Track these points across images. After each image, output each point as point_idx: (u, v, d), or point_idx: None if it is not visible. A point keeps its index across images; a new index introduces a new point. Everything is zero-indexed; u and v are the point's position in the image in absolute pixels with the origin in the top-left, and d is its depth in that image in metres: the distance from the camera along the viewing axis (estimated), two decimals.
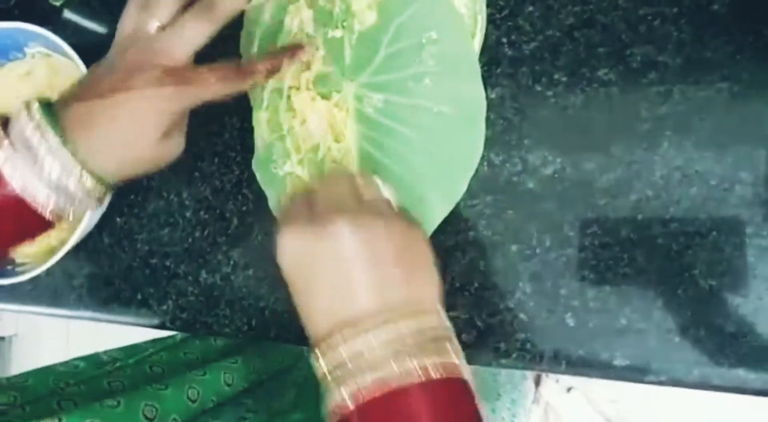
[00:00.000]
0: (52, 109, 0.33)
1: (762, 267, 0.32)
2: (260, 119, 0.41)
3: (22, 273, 0.43)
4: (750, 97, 0.33)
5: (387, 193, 0.32)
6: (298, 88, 0.40)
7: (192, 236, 0.43)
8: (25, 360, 1.49)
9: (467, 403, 0.28)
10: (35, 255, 0.45)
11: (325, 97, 0.39)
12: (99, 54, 0.47)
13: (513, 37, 0.36)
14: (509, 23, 0.36)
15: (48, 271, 0.42)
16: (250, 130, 0.41)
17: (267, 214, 0.41)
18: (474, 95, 0.36)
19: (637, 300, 0.34)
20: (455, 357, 0.28)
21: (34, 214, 0.33)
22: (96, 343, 0.52)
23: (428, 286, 0.30)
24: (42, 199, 0.33)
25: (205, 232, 0.43)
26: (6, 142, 0.32)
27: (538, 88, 0.36)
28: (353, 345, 0.27)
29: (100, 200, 0.35)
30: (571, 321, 0.35)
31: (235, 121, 0.42)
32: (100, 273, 0.46)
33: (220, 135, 0.43)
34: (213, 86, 0.34)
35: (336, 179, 0.32)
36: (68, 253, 0.42)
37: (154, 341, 0.50)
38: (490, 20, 0.37)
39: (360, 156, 0.38)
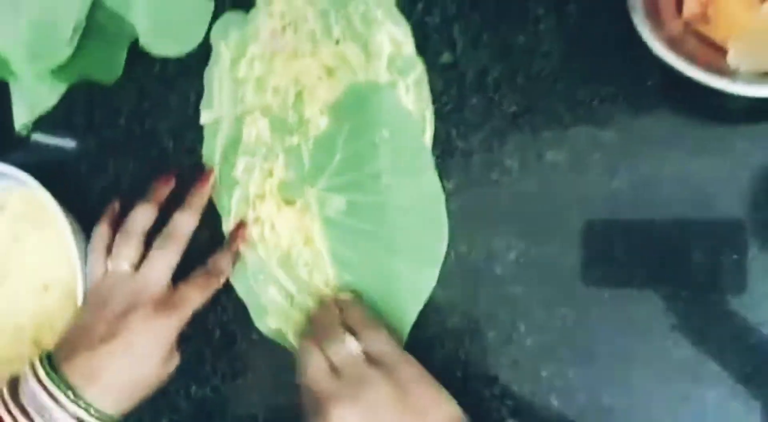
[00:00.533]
0: (56, 369, 0.35)
1: (737, 331, 0.33)
2: (230, 229, 0.42)
3: None
4: (695, 166, 0.33)
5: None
6: (263, 197, 0.41)
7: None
8: None
9: None
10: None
11: (290, 202, 0.40)
12: (67, 176, 0.49)
13: (461, 129, 0.37)
14: (456, 116, 0.38)
15: None
16: (221, 241, 0.42)
17: (248, 322, 0.41)
18: (431, 188, 0.37)
19: (616, 376, 0.34)
20: None
21: None
22: None
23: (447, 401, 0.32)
24: None
25: (190, 345, 0.43)
26: (16, 408, 0.34)
27: (493, 176, 0.37)
28: None
29: None
30: (556, 403, 0.35)
31: (206, 234, 0.43)
32: None
33: (193, 247, 0.43)
34: (197, 300, 0.38)
35: (336, 340, 0.34)
36: None
37: None
38: (438, 115, 0.38)
39: (332, 258, 0.39)
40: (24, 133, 0.49)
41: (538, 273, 0.36)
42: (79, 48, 0.44)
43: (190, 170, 0.43)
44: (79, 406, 0.34)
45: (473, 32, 0.37)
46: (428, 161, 0.37)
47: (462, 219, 0.37)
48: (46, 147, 0.49)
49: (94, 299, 0.39)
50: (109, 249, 0.40)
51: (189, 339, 0.43)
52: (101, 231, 0.41)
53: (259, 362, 0.41)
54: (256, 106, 0.41)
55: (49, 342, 0.44)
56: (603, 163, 0.35)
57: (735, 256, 0.32)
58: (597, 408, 0.34)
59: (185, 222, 0.40)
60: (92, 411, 0.34)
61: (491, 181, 0.37)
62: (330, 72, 0.40)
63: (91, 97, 0.47)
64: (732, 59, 0.32)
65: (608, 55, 0.35)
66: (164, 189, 0.42)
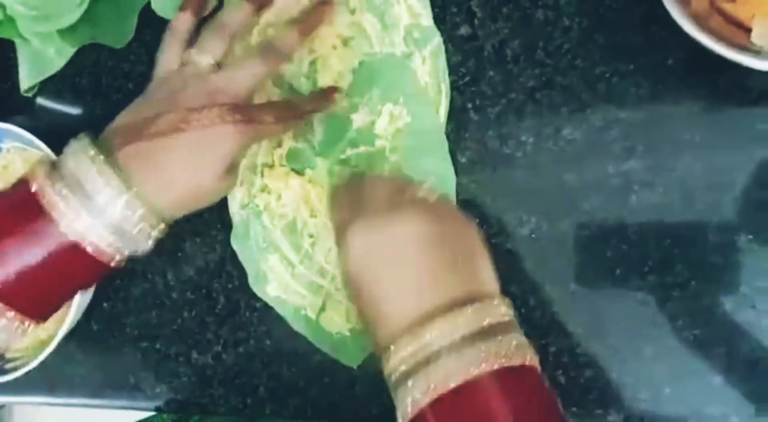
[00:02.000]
0: (106, 149, 0.32)
1: (742, 312, 0.33)
2: (235, 196, 0.41)
3: (14, 369, 0.43)
4: (712, 148, 0.33)
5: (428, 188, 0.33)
6: (271, 166, 0.40)
7: (180, 317, 0.43)
8: None
9: (544, 392, 0.28)
10: (26, 350, 0.45)
11: (299, 172, 0.40)
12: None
13: (477, 102, 0.37)
14: (472, 89, 0.37)
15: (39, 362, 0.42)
16: (227, 208, 0.42)
17: (252, 290, 0.41)
18: (443, 169, 0.37)
19: (624, 352, 0.34)
20: (526, 345, 0.28)
21: (93, 261, 0.32)
22: (95, 408, 0.52)
23: (489, 276, 0.30)
24: (103, 244, 0.31)
25: (193, 312, 0.43)
26: (60, 185, 0.30)
27: (507, 151, 0.36)
28: (423, 339, 0.27)
29: (159, 239, 0.34)
30: (562, 379, 0.35)
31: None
32: (91, 361, 0.46)
33: (200, 215, 0.43)
34: (273, 125, 0.35)
35: (378, 179, 0.33)
36: (59, 343, 0.42)
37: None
38: (454, 87, 0.37)
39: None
40: (29, 95, 0.49)
41: (550, 250, 0.35)
42: (89, 10, 0.43)
43: None
44: (131, 193, 0.31)
45: (492, 5, 0.37)
46: (442, 141, 0.37)
47: (474, 194, 0.37)
48: (52, 111, 0.49)
49: (162, 89, 0.35)
50: (188, 42, 0.36)
51: (192, 305, 0.43)
52: (183, 17, 0.37)
53: (262, 331, 0.41)
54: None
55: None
56: (620, 141, 0.35)
57: (749, 237, 0.32)
58: (604, 384, 0.34)
59: (292, 39, 0.36)
60: (144, 202, 0.31)
61: (506, 155, 0.36)
62: (345, 42, 0.39)
63: (98, 60, 0.46)
64: (756, 38, 0.31)
65: (629, 32, 0.35)
66: None
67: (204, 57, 0.35)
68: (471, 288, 0.29)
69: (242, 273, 0.42)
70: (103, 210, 0.31)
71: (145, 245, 0.34)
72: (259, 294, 0.40)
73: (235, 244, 0.41)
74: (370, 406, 0.38)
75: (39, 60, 0.48)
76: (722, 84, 0.33)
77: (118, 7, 0.44)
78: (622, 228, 0.34)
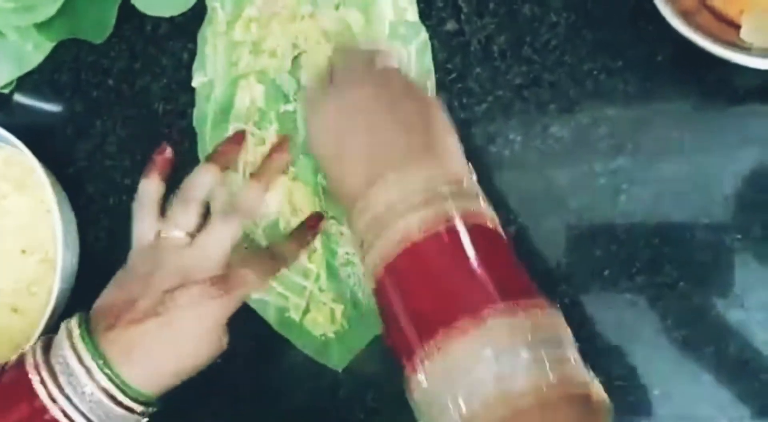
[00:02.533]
0: (92, 335, 0.32)
1: (731, 312, 0.32)
2: (217, 196, 0.40)
3: None
4: (701, 146, 0.33)
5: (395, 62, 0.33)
6: (254, 164, 0.39)
7: None
8: None
9: (505, 251, 0.28)
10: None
11: (282, 170, 0.39)
12: (52, 138, 0.47)
13: (464, 100, 0.36)
14: (459, 86, 0.37)
15: None
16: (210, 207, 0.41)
17: None
18: None
19: (613, 354, 0.34)
20: (485, 208, 0.28)
21: None
22: None
23: (452, 146, 0.30)
24: None
25: None
26: (47, 371, 0.31)
27: (493, 149, 0.36)
28: (384, 197, 0.27)
29: (144, 415, 0.33)
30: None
31: None
32: None
33: None
34: (256, 284, 0.34)
35: (351, 53, 0.33)
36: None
37: None
38: (441, 84, 0.37)
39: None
40: (6, 91, 0.48)
41: (537, 250, 0.35)
42: (67, 4, 0.42)
43: (181, 134, 0.42)
44: (111, 380, 0.31)
45: (479, 0, 0.36)
46: None
47: None
48: (30, 108, 0.48)
49: (141, 265, 0.34)
50: (161, 209, 0.36)
51: None
52: (151, 185, 0.36)
53: (245, 333, 0.40)
54: (251, 70, 0.40)
55: (26, 307, 0.43)
56: (608, 140, 0.34)
57: (738, 236, 0.32)
58: None
59: (257, 194, 0.36)
60: (123, 388, 0.31)
61: (493, 153, 0.36)
62: (329, 37, 0.39)
63: (78, 56, 0.45)
64: (744, 35, 0.31)
65: (617, 29, 0.34)
66: (233, 147, 0.38)
67: (176, 231, 0.34)
68: (433, 156, 0.28)
69: None
70: (88, 395, 0.31)
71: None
72: None
73: None
74: (355, 410, 0.37)
75: (17, 55, 0.46)
76: (710, 81, 0.33)
77: (96, 1, 0.43)
78: (610, 228, 0.34)
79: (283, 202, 0.39)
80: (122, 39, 0.44)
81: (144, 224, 0.35)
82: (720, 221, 0.32)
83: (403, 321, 0.26)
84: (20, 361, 0.32)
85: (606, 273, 0.34)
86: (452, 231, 0.26)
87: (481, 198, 0.28)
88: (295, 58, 0.39)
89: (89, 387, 0.31)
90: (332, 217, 0.38)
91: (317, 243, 0.38)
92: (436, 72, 0.37)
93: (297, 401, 0.39)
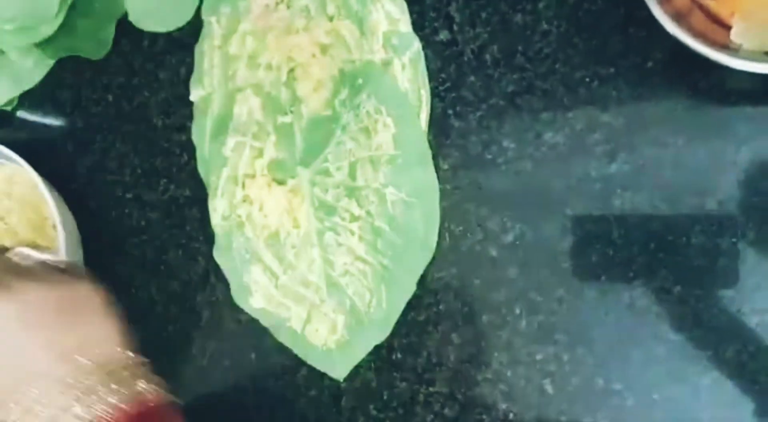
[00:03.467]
0: None
1: (728, 316, 0.32)
2: (216, 207, 0.41)
3: None
4: (695, 148, 0.33)
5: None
6: (252, 176, 0.40)
7: (165, 331, 0.43)
8: None
9: None
10: None
11: (280, 183, 0.39)
12: (54, 154, 0.47)
13: (458, 108, 0.37)
14: (453, 95, 0.37)
15: None
16: (209, 220, 0.41)
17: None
18: (427, 178, 0.36)
19: (611, 359, 0.34)
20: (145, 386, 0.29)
21: None
22: None
23: (99, 330, 0.32)
24: None
25: (178, 326, 0.42)
26: None
27: (489, 156, 0.36)
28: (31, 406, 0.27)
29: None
30: (549, 388, 0.34)
31: (195, 212, 0.42)
32: None
33: (182, 227, 0.42)
34: None
35: None
36: None
37: None
38: (435, 93, 0.37)
39: (320, 241, 0.38)
40: (8, 108, 0.48)
41: (534, 256, 0.35)
42: (66, 23, 0.43)
43: (180, 148, 0.42)
44: None
45: (471, 9, 0.37)
46: (425, 149, 0.36)
47: (457, 200, 0.36)
48: (32, 124, 0.48)
49: None
50: None
51: (176, 320, 0.43)
52: None
53: (247, 344, 0.41)
54: (248, 84, 0.40)
55: None
56: (602, 145, 0.34)
57: (734, 240, 0.32)
58: (591, 393, 0.34)
59: None
60: None
61: (488, 161, 0.36)
62: (324, 49, 0.39)
63: (78, 72, 0.46)
64: (735, 36, 0.31)
65: (608, 36, 0.35)
66: None
67: None
68: (80, 348, 0.29)
69: (226, 286, 0.41)
70: None
71: None
72: (242, 306, 0.40)
73: (218, 257, 0.41)
74: (356, 419, 0.38)
75: (17, 73, 0.47)
76: (703, 85, 0.33)
77: (94, 18, 0.44)
78: (606, 233, 0.34)
79: (283, 213, 0.39)
80: (120, 55, 0.45)
81: None
82: (715, 224, 0.33)
83: None
84: None
85: (603, 278, 0.34)
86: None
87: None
88: (291, 71, 0.39)
89: None
90: (330, 229, 0.38)
91: (315, 254, 0.39)
92: (430, 81, 0.37)
93: (300, 411, 0.39)
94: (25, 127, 0.48)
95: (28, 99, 0.47)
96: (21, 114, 0.48)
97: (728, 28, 0.32)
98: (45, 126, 0.48)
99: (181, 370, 0.42)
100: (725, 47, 0.31)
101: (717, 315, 0.32)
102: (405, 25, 0.38)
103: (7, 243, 0.44)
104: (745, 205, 0.32)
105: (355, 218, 0.37)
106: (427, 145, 0.36)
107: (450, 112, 0.37)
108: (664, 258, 0.33)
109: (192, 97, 0.42)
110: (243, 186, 0.40)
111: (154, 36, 0.43)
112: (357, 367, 0.37)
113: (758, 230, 0.32)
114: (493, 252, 0.36)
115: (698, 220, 0.33)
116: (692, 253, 0.33)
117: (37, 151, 0.45)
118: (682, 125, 0.33)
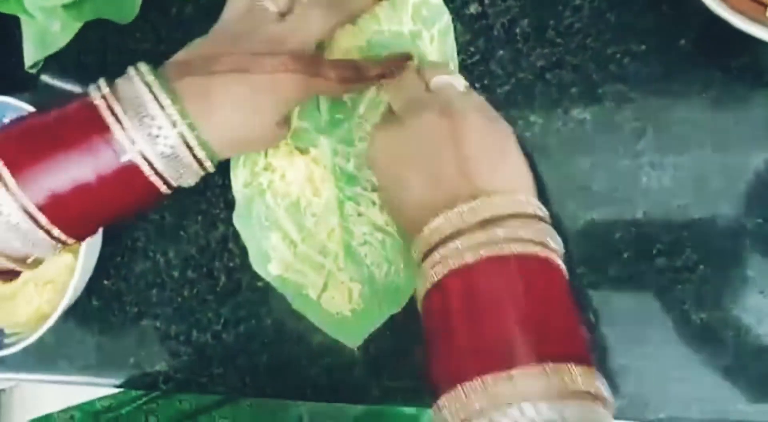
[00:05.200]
0: (165, 78, 0.31)
1: (750, 297, 0.32)
2: (238, 175, 0.41)
3: (13, 344, 0.42)
4: (723, 130, 0.33)
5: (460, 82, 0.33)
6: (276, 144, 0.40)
7: (181, 295, 0.43)
8: (27, 411, 1.47)
9: (561, 285, 0.28)
10: (25, 325, 0.45)
11: (303, 151, 0.39)
12: None
13: (486, 82, 0.37)
14: (481, 68, 0.37)
15: (38, 338, 0.42)
16: (231, 187, 0.41)
17: (254, 269, 0.41)
18: None
19: (630, 336, 0.34)
20: (551, 241, 0.28)
21: (145, 185, 0.31)
22: (94, 386, 0.52)
23: (518, 174, 0.30)
24: (157, 167, 0.31)
25: (194, 291, 0.42)
26: (119, 107, 0.30)
27: (515, 131, 0.36)
28: (446, 226, 0.27)
29: (205, 171, 0.33)
30: None
31: (217, 178, 0.42)
32: (91, 338, 0.45)
33: (203, 193, 0.42)
34: (333, 83, 0.34)
35: (409, 81, 0.33)
36: (58, 319, 0.41)
37: None
38: (463, 66, 0.37)
39: (340, 211, 0.38)
40: (33, 71, 0.48)
41: (557, 232, 0.34)
42: None
43: None
44: (186, 123, 0.30)
45: None
46: None
47: None
48: (56, 89, 0.48)
49: (226, 32, 0.34)
50: None
51: (193, 284, 0.43)
52: None
53: (263, 311, 0.41)
54: None
55: (41, 292, 0.44)
56: (630, 122, 0.34)
57: (759, 220, 0.32)
58: (609, 369, 0.33)
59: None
60: (197, 134, 0.30)
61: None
62: (353, 20, 0.39)
63: (104, 38, 0.46)
64: None
65: (640, 12, 0.34)
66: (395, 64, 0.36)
67: (271, 4, 0.34)
68: (499, 186, 0.28)
69: (244, 252, 0.41)
70: (158, 135, 0.30)
71: (192, 179, 0.33)
72: (260, 272, 0.40)
73: (238, 223, 0.41)
74: (370, 387, 0.38)
75: (43, 36, 0.47)
76: (735, 65, 0.33)
77: None
78: (631, 211, 0.34)
79: (304, 182, 0.39)
80: (147, 20, 0.45)
81: None
82: (742, 205, 0.32)
83: (442, 352, 0.27)
84: (85, 100, 0.31)
85: (626, 255, 0.34)
86: (507, 261, 0.26)
87: (547, 233, 0.28)
88: (319, 41, 0.39)
89: (165, 131, 0.30)
90: (350, 199, 0.38)
91: (335, 222, 0.39)
92: (458, 54, 0.37)
93: (314, 378, 0.39)
94: (49, 90, 0.48)
95: (53, 62, 0.47)
96: (45, 78, 0.48)
97: (765, 5, 0.32)
98: (69, 90, 0.48)
99: (196, 335, 0.42)
100: (763, 23, 0.31)
101: (739, 296, 0.32)
102: None
103: None
104: None
105: (376, 188, 0.37)
106: None
107: (477, 85, 0.37)
108: (688, 238, 0.33)
109: None
110: (265, 154, 0.40)
111: (183, 2, 0.43)
112: (371, 336, 0.37)
113: None
114: None
115: (724, 200, 0.32)
116: (717, 234, 0.32)
117: None
118: (712, 105, 0.33)
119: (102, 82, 0.31)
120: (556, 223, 0.35)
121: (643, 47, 0.34)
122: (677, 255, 0.33)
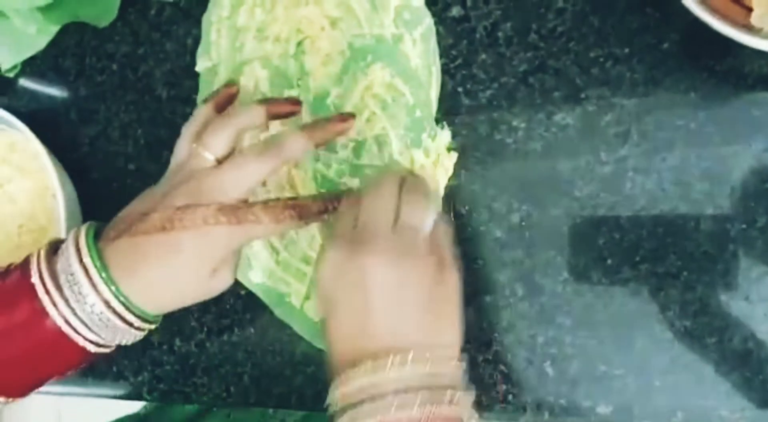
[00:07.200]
0: (100, 243, 0.32)
1: (734, 304, 0.32)
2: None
3: None
4: (708, 133, 0.32)
5: (433, 209, 0.31)
6: None
7: None
8: None
9: None
10: None
11: None
12: (56, 123, 0.47)
13: (468, 86, 0.36)
14: (464, 72, 0.36)
15: None
16: None
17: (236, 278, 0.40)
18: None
19: (614, 343, 0.33)
20: (464, 411, 0.27)
21: (76, 348, 0.32)
22: (86, 406, 0.51)
23: (449, 336, 0.30)
24: (89, 336, 0.31)
25: None
26: (49, 276, 0.31)
27: (498, 136, 0.35)
28: (362, 381, 0.27)
29: (142, 331, 0.33)
30: (550, 370, 0.34)
31: None
32: None
33: None
34: (266, 226, 0.33)
35: (381, 194, 0.31)
36: None
37: None
38: (445, 70, 0.36)
39: None
40: (11, 75, 0.48)
41: (540, 238, 0.34)
42: None
43: (184, 119, 0.41)
44: (111, 291, 0.31)
45: None
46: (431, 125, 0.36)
47: (464, 180, 0.36)
48: (35, 92, 0.48)
49: (167, 181, 0.34)
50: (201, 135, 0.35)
51: None
52: (204, 111, 0.36)
53: (246, 318, 0.40)
54: (256, 56, 0.39)
55: None
56: (614, 127, 0.34)
57: (743, 226, 0.32)
58: (592, 376, 0.33)
59: (299, 143, 0.33)
60: (122, 300, 0.31)
61: (497, 141, 0.35)
62: (333, 23, 0.38)
63: (82, 40, 0.45)
64: (756, 20, 0.30)
65: (624, 16, 0.34)
66: (288, 107, 0.36)
67: (204, 153, 0.33)
68: (425, 348, 0.28)
69: None
70: (86, 303, 0.31)
71: (131, 338, 0.33)
72: (242, 280, 0.39)
73: None
74: None
75: (20, 39, 0.46)
76: (718, 69, 0.32)
77: None
78: (614, 217, 0.34)
79: (285, 188, 0.39)
80: (126, 23, 0.44)
81: (182, 141, 0.35)
82: (725, 211, 0.32)
83: None
84: (25, 264, 0.32)
85: (609, 261, 0.33)
86: None
87: (462, 393, 0.28)
88: (299, 44, 0.39)
89: (91, 298, 0.30)
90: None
91: (317, 231, 0.38)
92: (441, 58, 0.36)
93: (298, 387, 0.39)
94: (27, 94, 0.47)
95: (30, 66, 0.47)
96: (23, 81, 0.48)
97: (749, 9, 0.32)
98: (47, 94, 0.47)
99: (179, 344, 0.42)
100: (747, 28, 0.31)
101: (723, 302, 0.32)
102: None
103: (5, 211, 0.44)
104: (757, 191, 0.32)
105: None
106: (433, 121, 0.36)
107: (460, 89, 0.36)
108: (672, 244, 0.33)
109: (198, 68, 0.41)
110: None
111: (161, 5, 0.42)
112: None
113: None
114: (499, 233, 0.35)
115: (709, 205, 0.32)
116: (701, 239, 0.32)
117: (38, 119, 0.45)
118: (696, 109, 0.33)
119: (42, 251, 0.32)
120: (540, 228, 0.35)
121: (627, 51, 0.34)
122: (661, 261, 0.33)
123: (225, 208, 0.32)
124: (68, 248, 0.31)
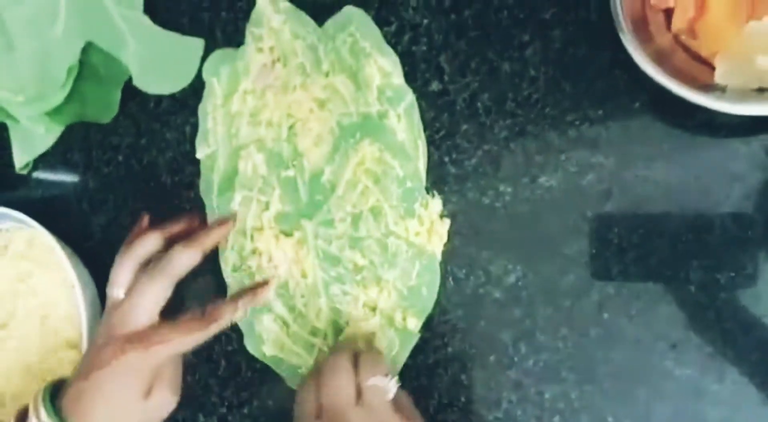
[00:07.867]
0: (57, 395, 0.35)
1: (731, 349, 0.33)
2: (227, 259, 0.42)
3: None
4: (688, 186, 0.34)
5: (387, 380, 0.33)
6: (260, 229, 0.41)
7: (184, 381, 0.44)
8: None
9: None
10: None
11: (287, 234, 0.41)
12: (69, 214, 0.49)
13: (454, 156, 0.38)
14: (448, 142, 0.38)
15: None
16: (221, 272, 0.43)
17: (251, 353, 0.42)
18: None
19: (619, 396, 0.34)
20: None
21: None
22: None
23: None
24: None
25: (196, 376, 0.44)
26: None
27: (486, 201, 0.37)
28: None
29: None
30: None
31: (206, 264, 0.43)
32: None
33: (195, 279, 0.44)
34: (178, 342, 0.36)
35: (338, 374, 0.33)
36: None
37: None
38: (430, 141, 0.38)
39: (326, 291, 0.39)
40: (24, 172, 0.50)
41: (537, 296, 0.36)
42: (73, 90, 0.45)
43: (189, 204, 0.44)
44: None
45: (460, 60, 0.38)
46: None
47: (459, 245, 0.37)
48: (47, 184, 0.50)
49: (99, 328, 0.38)
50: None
51: (195, 369, 0.44)
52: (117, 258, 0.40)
53: (264, 391, 0.42)
54: (251, 140, 0.42)
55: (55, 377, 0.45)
56: (596, 186, 0.35)
57: (731, 275, 0.33)
58: None
59: (185, 258, 0.38)
60: None
61: (486, 205, 0.37)
62: (321, 104, 0.40)
63: (88, 134, 0.48)
64: (719, 76, 0.32)
65: (594, 80, 0.36)
66: (184, 225, 0.41)
67: (114, 290, 0.38)
68: None
69: (240, 335, 0.42)
70: None
71: None
72: (254, 354, 0.41)
73: None
74: None
75: (30, 139, 0.49)
76: (691, 124, 0.34)
77: (100, 84, 0.45)
78: (605, 272, 0.35)
79: (291, 264, 0.40)
80: (128, 116, 0.46)
81: (108, 288, 0.39)
82: (713, 259, 0.33)
83: None
84: None
85: (605, 315, 0.35)
86: None
87: None
88: (291, 127, 0.41)
89: None
90: (336, 279, 0.39)
91: (322, 304, 0.40)
92: (425, 130, 0.38)
93: None
94: (40, 187, 0.50)
95: (42, 161, 0.49)
96: (36, 175, 0.50)
97: (712, 67, 0.33)
98: (59, 186, 0.49)
99: (202, 419, 0.43)
100: (711, 86, 0.32)
101: (722, 349, 0.33)
102: (398, 77, 0.39)
103: (30, 304, 0.46)
104: (740, 241, 0.33)
105: (359, 268, 0.39)
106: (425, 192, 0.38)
107: (446, 159, 0.38)
108: (665, 293, 0.34)
109: (198, 155, 0.43)
110: (252, 238, 0.41)
111: (159, 97, 0.45)
112: None
113: (755, 266, 0.32)
114: (497, 294, 0.37)
115: (696, 256, 0.33)
116: (693, 288, 0.33)
117: (52, 210, 0.47)
118: (673, 163, 0.34)
119: (14, 416, 0.35)
120: (535, 287, 0.36)
121: (600, 112, 0.35)
122: (660, 308, 0.34)
123: (131, 336, 0.36)
124: (31, 413, 0.34)
